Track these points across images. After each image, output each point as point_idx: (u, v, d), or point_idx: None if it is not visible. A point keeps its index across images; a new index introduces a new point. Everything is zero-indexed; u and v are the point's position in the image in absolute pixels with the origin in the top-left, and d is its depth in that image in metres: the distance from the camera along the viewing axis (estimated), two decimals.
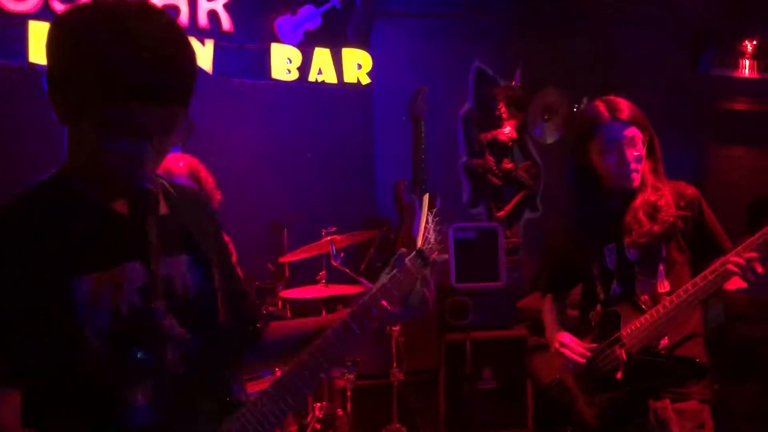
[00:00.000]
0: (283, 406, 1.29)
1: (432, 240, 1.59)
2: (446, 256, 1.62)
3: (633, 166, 2.15)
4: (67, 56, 1.12)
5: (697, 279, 2.03)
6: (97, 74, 1.08)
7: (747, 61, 5.93)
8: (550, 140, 5.28)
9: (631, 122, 2.14)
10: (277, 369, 2.41)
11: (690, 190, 2.22)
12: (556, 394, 2.34)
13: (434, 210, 1.65)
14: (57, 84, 1.13)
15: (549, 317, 2.46)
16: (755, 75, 5.95)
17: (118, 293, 1.16)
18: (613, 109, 2.16)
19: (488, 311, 4.48)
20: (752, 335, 3.77)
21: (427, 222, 1.63)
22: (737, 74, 5.95)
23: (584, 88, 5.27)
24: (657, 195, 2.16)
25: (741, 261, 1.95)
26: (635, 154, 2.15)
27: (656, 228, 2.13)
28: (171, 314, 1.21)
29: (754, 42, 5.91)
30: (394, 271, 1.46)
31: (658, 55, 5.61)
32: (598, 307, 2.27)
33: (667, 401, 2.11)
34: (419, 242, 1.58)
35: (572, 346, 2.23)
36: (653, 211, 2.14)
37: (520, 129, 5.21)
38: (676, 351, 2.15)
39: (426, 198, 1.70)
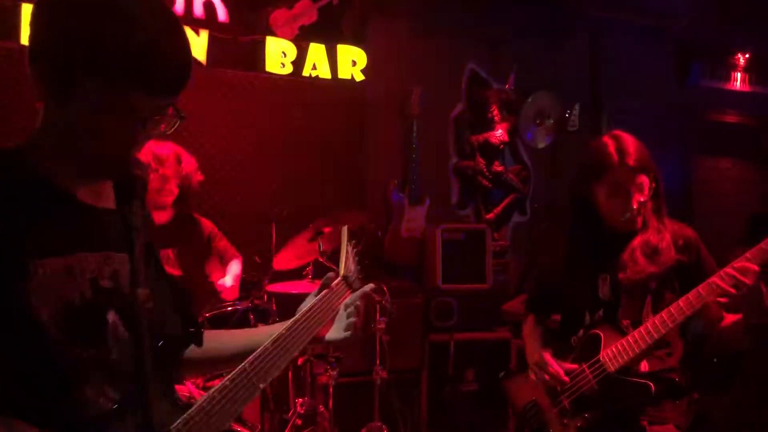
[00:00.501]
0: (230, 409, 1.29)
1: (352, 269, 1.69)
2: (371, 285, 1.70)
3: (635, 212, 2.17)
4: (72, 33, 1.08)
5: (679, 301, 2.04)
6: (102, 58, 1.07)
7: (739, 74, 5.98)
8: (541, 145, 5.30)
9: (640, 169, 2.15)
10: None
11: (689, 233, 2.25)
12: (530, 417, 2.34)
13: (353, 242, 1.75)
14: (50, 59, 1.10)
15: (530, 338, 2.49)
16: (746, 88, 6.00)
17: (72, 283, 1.14)
18: (622, 152, 2.16)
19: (473, 313, 4.49)
20: (733, 345, 3.80)
21: (347, 252, 1.72)
22: (728, 87, 5.99)
23: (576, 94, 5.31)
24: (658, 237, 2.18)
25: (723, 285, 1.97)
26: (641, 200, 2.17)
27: (654, 269, 2.15)
28: (115, 311, 1.19)
29: (747, 55, 5.96)
30: (322, 293, 1.55)
31: (650, 65, 5.65)
32: (581, 331, 2.29)
33: (644, 423, 2.13)
34: (342, 270, 1.67)
35: (550, 369, 2.24)
36: (652, 253, 2.17)
37: (512, 132, 5.22)
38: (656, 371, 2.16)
39: (345, 230, 1.78)
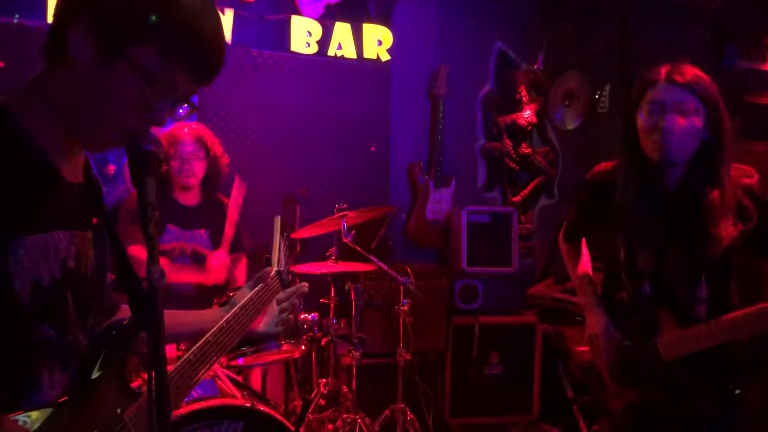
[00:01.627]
0: (176, 399, 1.32)
1: (284, 263, 1.73)
2: (306, 284, 1.74)
3: (669, 137, 1.87)
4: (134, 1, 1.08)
5: (753, 312, 1.86)
6: (162, 30, 1.08)
7: None
8: (570, 126, 5.21)
9: (687, 88, 1.88)
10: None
11: (752, 182, 1.94)
12: (587, 377, 2.23)
13: (285, 234, 1.79)
14: (105, 20, 1.08)
15: (579, 279, 2.28)
16: None
17: (44, 261, 1.12)
18: (673, 70, 1.91)
19: (498, 296, 4.46)
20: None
21: (280, 245, 1.76)
22: (764, 68, 5.83)
23: (606, 75, 5.19)
24: (722, 196, 1.89)
25: None
26: (684, 123, 1.88)
27: (721, 244, 1.89)
28: (70, 292, 1.18)
29: None
30: (258, 286, 1.59)
31: (682, 46, 5.49)
32: (625, 295, 2.11)
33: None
34: (275, 264, 1.71)
35: (603, 342, 2.10)
36: (714, 218, 1.89)
37: (540, 114, 5.13)
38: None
39: (277, 221, 1.80)
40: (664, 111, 1.88)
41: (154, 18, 1.07)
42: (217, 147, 3.36)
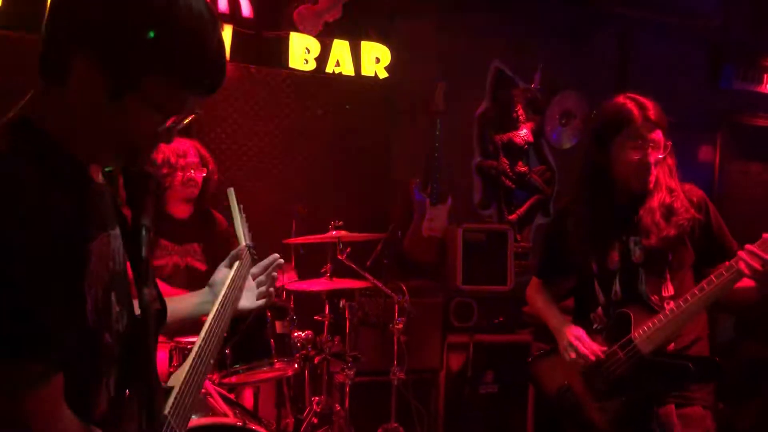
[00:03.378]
0: (200, 385, 1.32)
1: (249, 237, 1.77)
2: (278, 256, 1.74)
3: (652, 169, 2.15)
4: (142, 31, 1.05)
5: (712, 277, 2.00)
6: (171, 60, 1.07)
7: None
8: (566, 145, 5.22)
9: (659, 125, 2.15)
10: None
11: (698, 192, 2.23)
12: (564, 401, 2.28)
13: (241, 205, 1.81)
14: (113, 53, 1.05)
15: (546, 306, 2.46)
16: None
17: (105, 265, 1.11)
18: (643, 107, 2.16)
19: (493, 315, 4.44)
20: (762, 354, 3.71)
21: (241, 218, 1.79)
22: (760, 89, 5.86)
23: (604, 94, 5.19)
24: (672, 197, 2.16)
25: (753, 261, 1.93)
26: (659, 157, 2.15)
27: (672, 232, 2.12)
28: (114, 291, 1.16)
29: None
30: (236, 264, 1.60)
31: (680, 66, 5.54)
32: (599, 309, 2.24)
33: (672, 407, 2.08)
34: (242, 239, 1.74)
35: (586, 342, 2.20)
36: (668, 214, 2.14)
37: (537, 132, 5.15)
38: (685, 353, 2.13)
39: (232, 193, 1.81)
40: (646, 147, 2.14)
41: (164, 49, 1.06)
42: (212, 162, 3.38)
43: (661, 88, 5.19)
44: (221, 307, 1.48)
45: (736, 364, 3.68)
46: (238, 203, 1.81)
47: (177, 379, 1.26)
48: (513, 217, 5.10)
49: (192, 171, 3.22)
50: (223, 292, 1.51)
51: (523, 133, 5.07)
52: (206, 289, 1.61)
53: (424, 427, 3.94)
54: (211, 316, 1.44)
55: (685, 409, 2.10)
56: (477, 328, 4.31)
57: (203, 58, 1.11)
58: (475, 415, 4.28)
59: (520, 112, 5.08)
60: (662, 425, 2.07)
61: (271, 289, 1.68)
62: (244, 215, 1.82)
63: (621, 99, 2.23)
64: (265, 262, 1.70)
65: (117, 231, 1.20)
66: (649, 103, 2.18)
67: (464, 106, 4.98)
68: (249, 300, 1.64)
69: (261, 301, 1.66)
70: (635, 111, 2.15)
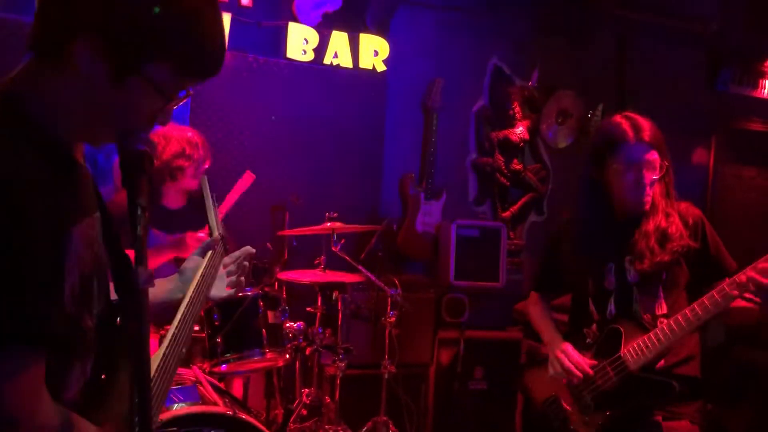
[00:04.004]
0: (172, 372, 1.33)
1: (221, 227, 1.76)
2: (250, 247, 1.74)
3: (648, 190, 2.15)
4: (144, 18, 1.05)
5: (704, 299, 2.00)
6: (173, 46, 1.07)
7: (767, 82, 5.87)
8: (562, 144, 5.23)
9: (653, 146, 2.14)
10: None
11: (695, 212, 2.22)
12: (550, 412, 2.30)
13: (214, 194, 1.82)
14: (117, 40, 1.05)
15: (541, 319, 2.47)
16: None
17: (86, 251, 1.10)
18: (637, 128, 2.15)
19: (484, 311, 4.46)
20: (752, 358, 3.73)
21: (213, 207, 1.80)
22: (756, 94, 5.88)
23: (600, 94, 5.22)
24: (668, 222, 2.16)
25: (747, 283, 1.92)
26: (653, 177, 2.15)
27: (665, 258, 2.12)
28: (95, 276, 1.16)
29: None
30: (209, 253, 1.61)
31: (676, 68, 5.55)
32: (594, 326, 2.26)
33: (659, 418, 2.10)
34: (215, 229, 1.74)
35: (574, 358, 2.21)
36: (663, 239, 2.14)
37: (533, 131, 5.15)
38: (674, 371, 2.14)
39: (205, 181, 1.83)
40: (641, 168, 2.13)
41: (167, 32, 1.06)
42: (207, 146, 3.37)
43: (657, 89, 5.27)
44: (194, 294, 1.48)
45: (726, 366, 3.70)
46: (211, 192, 1.82)
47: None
48: (507, 214, 5.11)
49: (201, 162, 3.20)
50: (196, 280, 1.51)
51: (519, 131, 5.07)
52: (176, 275, 1.60)
53: (413, 421, 3.94)
54: (184, 303, 1.44)
55: (673, 423, 2.11)
56: (468, 324, 4.32)
57: (205, 41, 1.11)
58: (464, 411, 4.28)
59: (517, 109, 5.08)
60: None
61: (242, 278, 1.68)
62: (216, 204, 1.83)
63: (617, 118, 2.22)
64: (237, 253, 1.71)
65: (98, 215, 1.19)
66: (645, 123, 2.17)
67: (461, 102, 4.98)
68: (218, 289, 1.64)
69: (231, 291, 1.67)
70: (629, 132, 2.14)
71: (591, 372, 2.17)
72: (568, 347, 2.25)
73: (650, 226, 2.15)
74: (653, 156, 2.14)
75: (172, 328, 1.38)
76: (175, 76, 1.10)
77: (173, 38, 1.07)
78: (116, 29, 1.04)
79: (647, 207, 2.17)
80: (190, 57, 1.10)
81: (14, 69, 1.12)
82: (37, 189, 0.99)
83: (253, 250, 1.74)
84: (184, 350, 1.39)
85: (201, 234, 3.18)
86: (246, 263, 1.70)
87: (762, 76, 5.87)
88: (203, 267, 1.57)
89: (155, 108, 1.13)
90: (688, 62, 5.64)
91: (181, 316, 1.42)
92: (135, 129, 1.11)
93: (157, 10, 1.04)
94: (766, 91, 5.87)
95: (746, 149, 5.84)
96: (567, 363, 2.20)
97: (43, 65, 1.09)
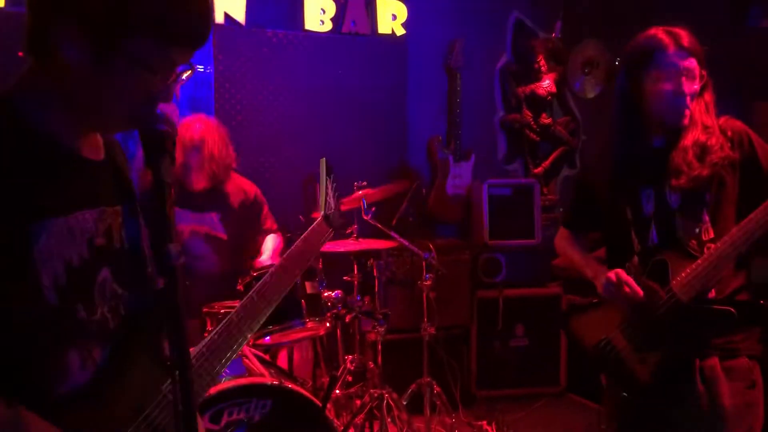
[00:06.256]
0: (217, 365, 1.31)
1: (333, 205, 1.72)
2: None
3: (687, 100, 2.01)
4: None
5: (756, 211, 1.89)
6: (152, 18, 1.07)
7: None
8: (590, 95, 5.14)
9: (693, 53, 2.02)
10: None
11: (736, 124, 2.08)
12: (603, 355, 2.18)
13: (332, 175, 1.79)
14: (94, 18, 1.06)
15: (580, 255, 2.33)
16: None
17: (71, 243, 1.12)
18: (675, 36, 2.03)
19: (522, 269, 4.45)
20: None
21: (326, 187, 1.75)
22: None
23: (625, 41, 5.08)
24: (707, 134, 2.02)
25: None
26: (694, 87, 2.02)
27: (705, 172, 1.99)
28: (108, 268, 1.17)
29: None
30: (306, 234, 1.57)
31: (704, 7, 5.37)
32: (635, 258, 2.13)
33: (716, 359, 2.00)
34: (322, 209, 1.70)
35: (629, 279, 2.07)
36: (702, 153, 2.00)
37: (560, 83, 5.06)
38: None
39: (323, 163, 1.80)
40: (680, 77, 2.01)
41: (143, 5, 1.06)
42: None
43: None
44: (270, 278, 1.48)
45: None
46: (328, 174, 1.79)
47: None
48: (539, 170, 5.06)
49: (224, 146, 3.34)
50: (274, 267, 1.51)
51: (546, 84, 4.99)
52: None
53: (457, 381, 3.98)
54: (253, 290, 1.44)
55: (730, 362, 2.00)
56: (506, 282, 4.32)
57: (183, 10, 1.10)
58: (506, 368, 4.31)
59: (542, 63, 5.00)
60: (706, 379, 1.99)
61: None
62: (334, 184, 1.80)
63: (651, 30, 2.09)
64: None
65: (118, 208, 1.21)
66: (681, 31, 2.04)
67: (484, 59, 4.92)
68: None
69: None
70: (666, 39, 2.02)
71: (642, 294, 2.03)
72: (621, 271, 2.10)
73: (688, 140, 2.02)
74: (692, 63, 2.01)
75: (231, 314, 1.38)
76: (159, 48, 1.09)
77: (149, 9, 1.06)
78: (87, 8, 1.05)
79: (686, 121, 2.03)
80: (168, 25, 1.08)
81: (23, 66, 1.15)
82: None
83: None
84: (248, 335, 1.38)
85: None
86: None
87: None
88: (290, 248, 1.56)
89: (149, 86, 1.12)
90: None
91: (247, 302, 1.42)
92: (136, 110, 1.12)
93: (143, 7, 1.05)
94: None
95: None
96: (626, 277, 2.06)
97: (37, 67, 1.13)
